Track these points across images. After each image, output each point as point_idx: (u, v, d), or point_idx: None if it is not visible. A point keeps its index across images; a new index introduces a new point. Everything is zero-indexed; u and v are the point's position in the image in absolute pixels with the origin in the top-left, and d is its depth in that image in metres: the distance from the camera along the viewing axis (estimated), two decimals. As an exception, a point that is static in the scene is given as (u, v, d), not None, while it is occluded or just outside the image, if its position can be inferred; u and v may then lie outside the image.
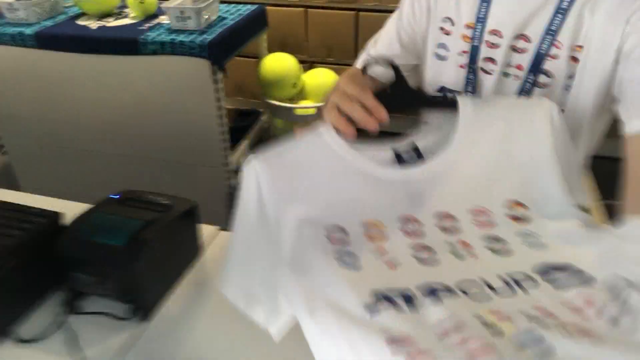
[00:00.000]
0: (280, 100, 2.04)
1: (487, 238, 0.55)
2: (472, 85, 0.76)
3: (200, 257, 0.78)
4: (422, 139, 0.61)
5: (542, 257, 0.52)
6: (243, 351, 0.62)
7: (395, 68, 0.62)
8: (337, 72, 2.15)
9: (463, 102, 0.60)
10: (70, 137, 1.87)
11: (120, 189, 0.73)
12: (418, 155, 0.60)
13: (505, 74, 0.73)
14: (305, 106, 2.03)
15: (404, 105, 0.62)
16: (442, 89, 0.79)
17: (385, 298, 0.47)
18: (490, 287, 0.49)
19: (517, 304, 0.47)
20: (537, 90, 0.72)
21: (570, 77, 0.70)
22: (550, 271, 0.51)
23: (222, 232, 0.84)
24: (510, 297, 0.48)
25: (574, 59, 0.69)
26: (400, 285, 0.49)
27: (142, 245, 0.63)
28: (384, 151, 0.60)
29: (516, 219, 0.56)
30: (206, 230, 0.82)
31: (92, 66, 1.63)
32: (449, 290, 0.49)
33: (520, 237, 0.55)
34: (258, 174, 0.56)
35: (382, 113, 0.57)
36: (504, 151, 0.58)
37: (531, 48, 0.70)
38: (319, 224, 0.54)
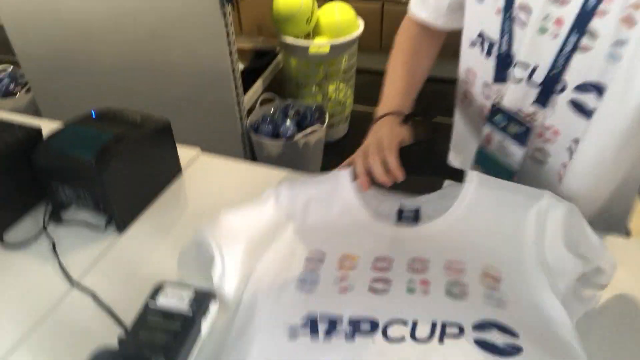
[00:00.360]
0: (294, 37, 2.00)
1: (450, 282, 0.55)
2: (508, 37, 0.67)
3: (178, 177, 0.79)
4: (426, 203, 0.66)
5: (492, 313, 0.51)
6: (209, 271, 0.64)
7: (434, 127, 0.70)
8: (356, 8, 2.08)
9: (470, 177, 0.64)
10: (87, 72, 1.90)
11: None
12: (416, 217, 0.65)
13: (542, 30, 0.62)
14: (320, 43, 1.99)
15: (423, 169, 0.70)
16: (481, 35, 0.73)
17: (311, 324, 0.51)
18: (413, 332, 0.50)
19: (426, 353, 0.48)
20: (576, 55, 0.60)
21: (619, 43, 0.56)
22: (488, 327, 0.49)
23: (203, 156, 0.85)
24: (425, 343, 0.49)
25: (629, 21, 0.54)
26: (336, 311, 0.52)
27: (110, 158, 0.64)
28: (391, 203, 0.66)
29: (489, 277, 0.56)
30: (187, 152, 0.83)
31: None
32: (372, 326, 0.50)
33: (483, 291, 0.54)
34: (279, 192, 0.65)
35: (398, 174, 0.63)
36: (493, 236, 0.60)
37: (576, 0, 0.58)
38: (306, 245, 0.61)
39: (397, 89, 0.79)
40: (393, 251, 0.60)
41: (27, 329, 0.58)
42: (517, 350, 0.47)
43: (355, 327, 0.50)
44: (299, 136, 1.87)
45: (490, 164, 0.77)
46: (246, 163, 0.83)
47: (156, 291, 0.56)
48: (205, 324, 0.54)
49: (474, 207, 0.62)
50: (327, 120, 1.99)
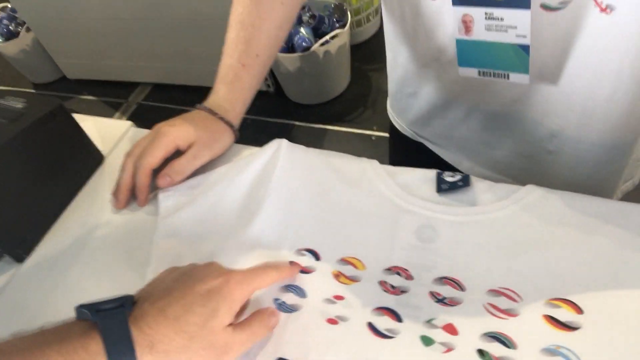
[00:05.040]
0: None
1: (487, 334, 0.38)
2: None
3: (99, 167, 0.61)
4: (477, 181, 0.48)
5: None
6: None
7: None
8: None
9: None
10: (84, 7, 1.76)
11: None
12: (465, 182, 0.47)
13: None
14: None
15: None
16: None
17: None
18: None
19: None
20: None
21: None
22: None
23: (135, 130, 0.65)
24: None
25: None
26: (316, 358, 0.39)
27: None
28: (427, 172, 0.49)
29: (560, 325, 0.38)
30: (110, 128, 0.64)
31: None
32: None
33: (542, 348, 0.37)
34: (279, 154, 0.53)
35: (121, 198, 0.56)
36: (579, 252, 0.42)
37: None
38: (296, 237, 0.47)
39: (224, 69, 0.57)
40: (415, 257, 0.44)
41: None
42: None
43: None
44: (316, 46, 1.59)
45: (482, 53, 0.51)
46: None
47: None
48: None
49: (549, 202, 0.45)
50: (349, 21, 1.68)
